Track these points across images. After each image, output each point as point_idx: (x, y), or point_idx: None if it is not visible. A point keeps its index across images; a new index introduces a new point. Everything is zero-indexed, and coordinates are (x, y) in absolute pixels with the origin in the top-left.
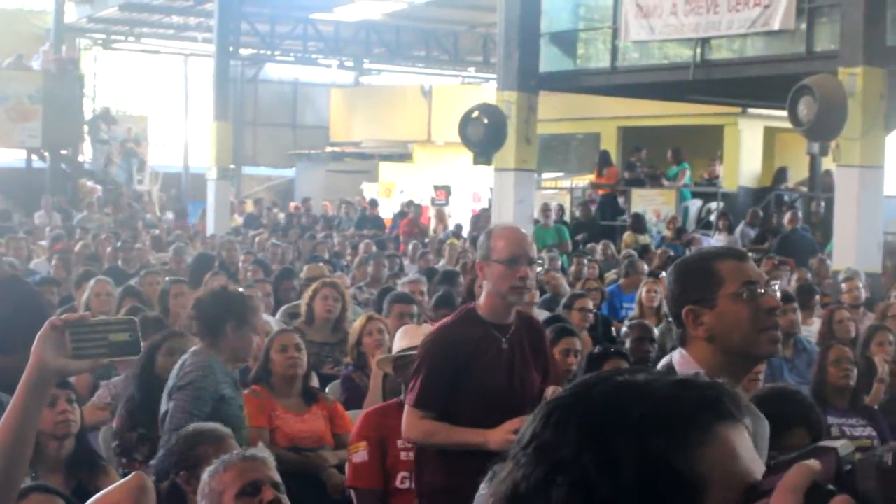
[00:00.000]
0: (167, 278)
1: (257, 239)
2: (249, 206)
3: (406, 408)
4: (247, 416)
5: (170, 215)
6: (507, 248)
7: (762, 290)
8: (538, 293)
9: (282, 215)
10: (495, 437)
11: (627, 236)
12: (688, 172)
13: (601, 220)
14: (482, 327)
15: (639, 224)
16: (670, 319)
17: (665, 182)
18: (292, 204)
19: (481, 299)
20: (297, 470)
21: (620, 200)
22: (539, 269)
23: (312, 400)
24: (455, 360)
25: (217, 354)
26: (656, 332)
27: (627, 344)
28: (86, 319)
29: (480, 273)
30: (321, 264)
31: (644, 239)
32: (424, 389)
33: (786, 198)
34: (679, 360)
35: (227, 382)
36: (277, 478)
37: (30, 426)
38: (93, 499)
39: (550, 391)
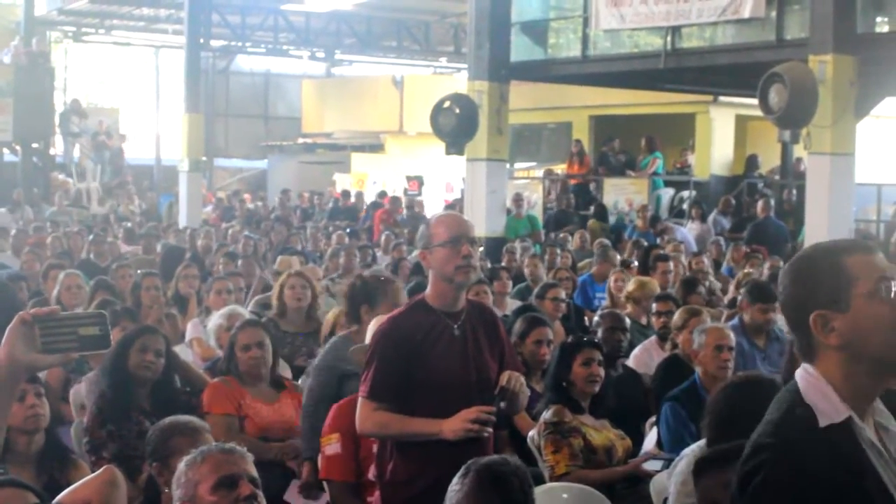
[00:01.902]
0: (139, 271)
1: (230, 231)
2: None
3: (359, 400)
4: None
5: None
6: (448, 231)
7: None
8: (511, 283)
9: (252, 205)
10: (451, 426)
11: (592, 223)
12: (659, 161)
13: (574, 209)
14: (433, 315)
15: (602, 213)
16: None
17: (632, 173)
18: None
19: (429, 289)
20: (268, 459)
21: (593, 189)
22: (520, 252)
23: (281, 388)
24: (406, 350)
25: (358, 335)
26: (628, 321)
27: (599, 333)
28: (55, 313)
29: (425, 262)
30: (293, 256)
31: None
32: (376, 381)
33: (758, 186)
34: (805, 381)
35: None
36: (255, 472)
37: None
38: (63, 493)
39: (505, 378)
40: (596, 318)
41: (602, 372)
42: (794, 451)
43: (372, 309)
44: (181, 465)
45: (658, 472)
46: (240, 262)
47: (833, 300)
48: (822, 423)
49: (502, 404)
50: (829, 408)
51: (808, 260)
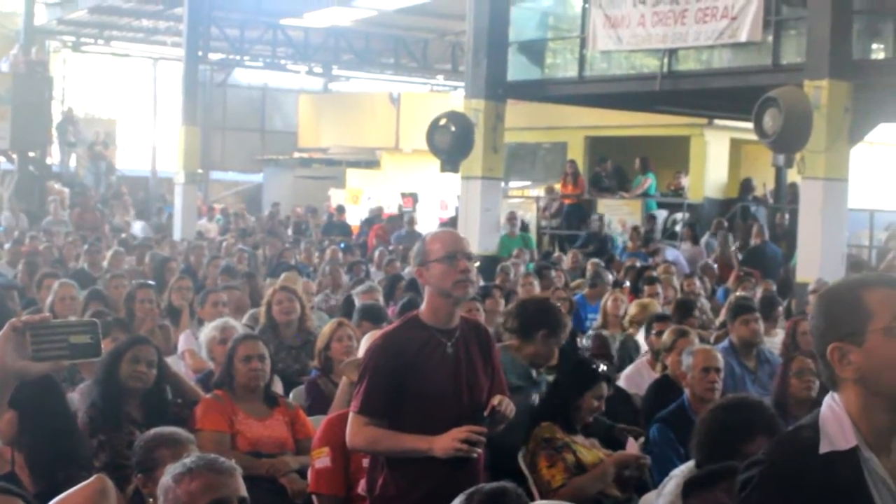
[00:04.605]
0: (133, 282)
1: (224, 244)
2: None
3: (350, 415)
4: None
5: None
6: (444, 247)
7: None
8: (503, 302)
9: (252, 219)
10: (441, 444)
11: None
12: (651, 181)
13: (567, 229)
14: (426, 332)
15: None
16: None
17: (625, 194)
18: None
19: (423, 305)
20: (259, 475)
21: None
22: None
23: (274, 404)
24: (399, 366)
25: (517, 352)
26: (617, 344)
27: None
28: (47, 321)
29: (421, 279)
30: (294, 273)
31: None
32: (368, 396)
33: (751, 209)
34: (827, 406)
35: (519, 374)
36: (244, 491)
37: None
38: (53, 501)
39: (497, 401)
40: (585, 341)
41: (603, 405)
42: (781, 472)
43: (549, 337)
44: (167, 477)
45: (641, 455)
46: (239, 280)
47: (849, 333)
48: (823, 448)
49: (500, 427)
50: (838, 435)
51: (832, 292)
